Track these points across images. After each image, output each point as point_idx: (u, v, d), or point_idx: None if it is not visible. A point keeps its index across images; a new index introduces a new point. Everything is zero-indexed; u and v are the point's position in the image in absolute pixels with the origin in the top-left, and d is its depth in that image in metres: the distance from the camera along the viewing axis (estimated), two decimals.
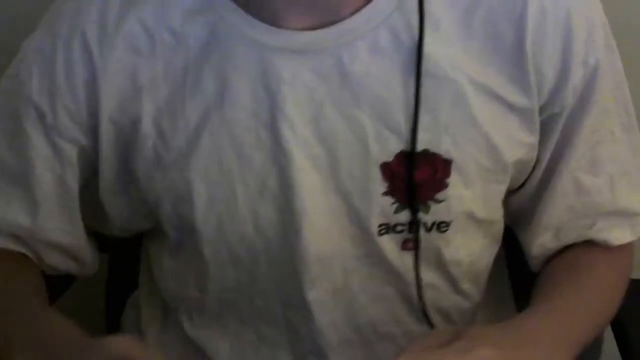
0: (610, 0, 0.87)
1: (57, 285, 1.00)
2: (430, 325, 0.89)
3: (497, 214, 0.89)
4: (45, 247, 0.89)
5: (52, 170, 0.85)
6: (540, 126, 0.84)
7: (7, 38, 1.00)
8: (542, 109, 0.83)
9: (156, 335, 0.96)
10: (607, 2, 0.85)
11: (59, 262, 0.91)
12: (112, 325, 1.07)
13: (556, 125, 0.84)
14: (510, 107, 0.82)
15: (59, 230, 0.88)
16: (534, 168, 0.87)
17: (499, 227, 0.91)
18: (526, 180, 0.88)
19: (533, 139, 0.85)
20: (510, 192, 0.90)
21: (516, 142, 0.84)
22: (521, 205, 0.90)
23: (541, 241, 0.89)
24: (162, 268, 0.93)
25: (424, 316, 0.88)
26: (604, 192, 0.87)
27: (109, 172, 0.86)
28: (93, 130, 0.84)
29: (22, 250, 0.89)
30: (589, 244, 0.89)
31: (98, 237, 0.98)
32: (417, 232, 0.84)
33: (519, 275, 0.99)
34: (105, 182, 0.87)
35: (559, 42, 0.81)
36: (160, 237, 0.91)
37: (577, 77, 0.82)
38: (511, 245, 0.95)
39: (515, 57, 0.81)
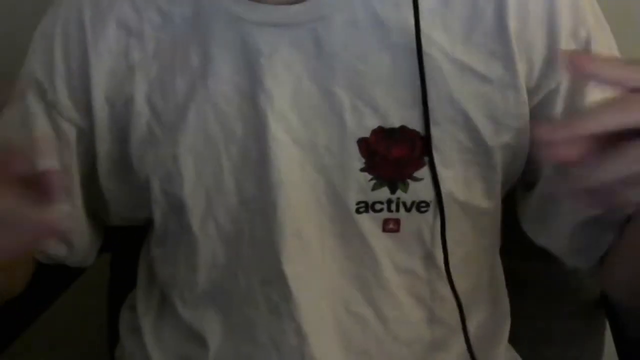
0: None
1: (58, 283, 1.01)
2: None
3: (483, 201, 0.87)
4: None
5: (54, 146, 0.87)
6: (539, 109, 0.83)
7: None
8: (536, 87, 0.82)
9: (152, 325, 0.97)
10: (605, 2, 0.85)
11: (53, 249, 0.91)
12: (114, 324, 1.07)
13: (556, 104, 0.82)
14: (492, 84, 0.82)
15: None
16: (541, 166, 0.85)
17: (491, 219, 0.90)
18: (537, 183, 0.86)
19: (520, 122, 0.83)
20: (523, 198, 0.88)
21: (499, 124, 0.83)
22: (538, 208, 0.87)
23: (572, 238, 0.84)
24: (155, 258, 0.95)
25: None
26: None
27: (105, 154, 0.89)
28: (88, 110, 0.87)
29: None
30: None
31: (102, 233, 0.99)
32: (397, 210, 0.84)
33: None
34: (102, 166, 0.89)
35: (544, 14, 0.80)
36: (153, 225, 0.92)
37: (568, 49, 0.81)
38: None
39: (496, 33, 0.81)
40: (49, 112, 0.87)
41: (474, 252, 0.91)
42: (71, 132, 0.88)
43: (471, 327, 0.92)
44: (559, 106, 0.82)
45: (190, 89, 0.84)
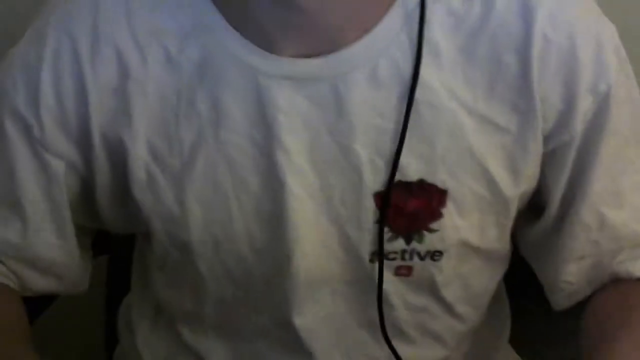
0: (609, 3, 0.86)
1: None
2: (391, 348, 0.87)
3: (496, 244, 0.87)
4: (30, 267, 0.86)
5: (39, 185, 0.83)
6: (550, 156, 0.82)
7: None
8: (549, 137, 0.81)
9: (146, 333, 0.96)
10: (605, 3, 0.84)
11: (43, 284, 0.89)
12: (111, 325, 1.07)
13: (568, 155, 0.82)
14: (512, 136, 0.80)
15: (49, 245, 0.85)
16: (548, 201, 0.85)
17: (502, 254, 0.90)
18: (542, 213, 0.86)
19: (536, 169, 0.83)
20: (526, 224, 0.88)
21: (518, 175, 0.82)
22: (539, 238, 0.87)
23: (563, 274, 0.86)
24: (154, 279, 0.93)
25: (386, 341, 0.87)
26: (629, 224, 0.84)
27: (105, 186, 0.85)
28: (83, 144, 0.82)
29: (3, 280, 0.86)
30: (619, 280, 0.86)
31: (98, 239, 0.98)
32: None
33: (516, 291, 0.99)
34: (102, 196, 0.86)
35: (563, 70, 0.79)
36: (150, 249, 0.90)
37: (585, 105, 0.80)
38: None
39: (520, 87, 0.79)
40: (34, 147, 0.82)
41: (484, 283, 0.90)
42: (59, 167, 0.82)
43: (471, 330, 0.92)
44: (570, 158, 0.82)
45: (198, 137, 0.80)
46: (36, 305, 0.96)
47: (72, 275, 0.90)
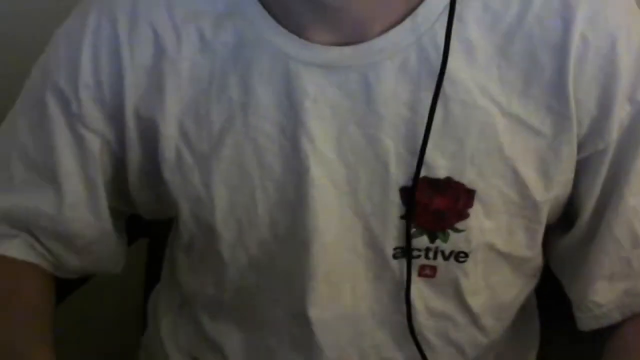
0: None
1: None
2: (420, 350, 0.86)
3: (526, 252, 0.85)
4: (64, 244, 0.88)
5: (76, 160, 0.84)
6: (584, 164, 0.80)
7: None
8: (583, 144, 0.79)
9: (170, 323, 0.96)
10: None
11: (77, 264, 0.90)
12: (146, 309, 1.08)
13: (602, 165, 0.80)
14: (546, 139, 0.78)
15: (84, 221, 0.87)
16: (579, 212, 0.83)
17: (533, 264, 0.87)
18: (573, 224, 0.84)
19: (569, 175, 0.81)
20: (556, 235, 0.86)
21: (549, 179, 0.80)
22: (569, 250, 0.86)
23: (592, 293, 0.84)
24: (179, 263, 0.93)
25: (418, 349, 0.86)
26: None
27: (136, 165, 0.86)
28: (117, 123, 0.83)
29: (35, 259, 0.87)
30: None
31: (138, 222, 0.98)
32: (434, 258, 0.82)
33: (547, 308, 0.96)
34: (133, 176, 0.86)
35: (600, 74, 0.76)
36: (178, 234, 0.90)
37: (622, 113, 0.77)
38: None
39: (555, 88, 0.77)
40: (71, 122, 0.83)
41: (513, 295, 0.88)
42: (95, 143, 0.84)
43: (494, 350, 0.91)
44: (604, 168, 0.80)
45: (228, 120, 0.81)
46: (73, 281, 0.96)
47: (105, 255, 0.91)
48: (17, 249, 0.86)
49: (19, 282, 0.86)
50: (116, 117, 0.83)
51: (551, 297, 0.92)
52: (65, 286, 0.96)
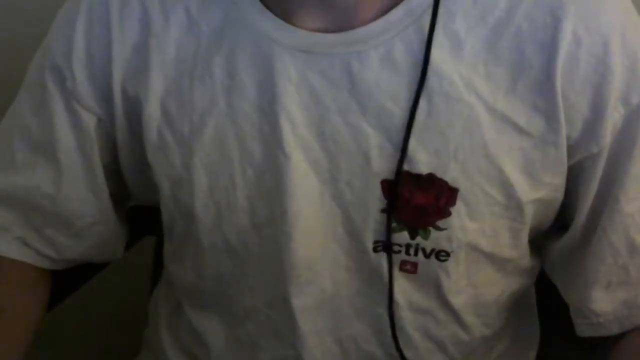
0: None
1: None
2: (402, 356, 0.85)
3: (511, 252, 0.83)
4: (64, 230, 0.88)
5: (74, 137, 0.85)
6: (577, 169, 0.79)
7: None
8: (576, 147, 0.77)
9: (167, 318, 0.96)
10: None
11: (79, 250, 0.90)
12: None
13: (596, 169, 0.78)
14: (532, 140, 0.77)
15: (83, 200, 0.87)
16: (574, 217, 0.81)
17: (518, 264, 0.86)
18: (569, 228, 0.83)
19: (557, 179, 0.79)
20: (551, 241, 0.85)
21: (535, 180, 0.78)
22: (565, 256, 0.84)
23: (589, 301, 0.83)
24: (164, 249, 0.93)
25: (396, 349, 0.85)
26: None
27: (124, 145, 0.86)
28: (107, 100, 0.84)
29: (26, 258, 0.88)
30: None
31: (143, 221, 0.99)
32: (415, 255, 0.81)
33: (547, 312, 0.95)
34: (122, 156, 0.87)
35: (594, 75, 0.75)
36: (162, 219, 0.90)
37: (615, 115, 0.76)
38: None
39: (542, 86, 0.75)
40: (68, 99, 0.84)
41: (495, 294, 0.87)
42: (91, 121, 0.84)
43: (493, 353, 0.90)
44: (598, 172, 0.78)
45: (211, 102, 0.80)
46: (81, 274, 0.97)
47: (105, 239, 0.91)
48: (7, 245, 0.87)
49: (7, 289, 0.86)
50: (106, 93, 0.84)
51: (551, 297, 0.91)
52: (70, 282, 0.97)
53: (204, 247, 0.85)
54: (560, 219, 0.84)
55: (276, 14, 0.78)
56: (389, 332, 0.85)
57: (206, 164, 0.82)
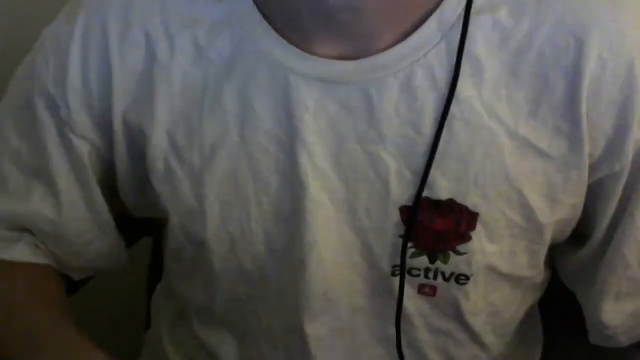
0: None
1: None
2: None
3: (528, 272, 0.83)
4: (67, 248, 0.87)
5: (68, 163, 0.83)
6: (598, 187, 0.78)
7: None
8: (597, 166, 0.77)
9: (170, 325, 0.96)
10: None
11: (81, 264, 0.89)
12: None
13: (617, 187, 0.77)
14: (555, 163, 0.76)
15: (83, 220, 0.85)
16: (592, 232, 0.81)
17: (535, 282, 0.86)
18: (585, 243, 0.83)
19: (578, 200, 0.79)
20: (567, 253, 0.85)
21: (556, 203, 0.78)
22: (580, 268, 0.84)
23: (600, 311, 0.83)
24: (169, 269, 0.92)
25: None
26: None
27: (124, 172, 0.84)
28: (106, 129, 0.81)
29: (43, 260, 0.86)
30: None
31: (140, 222, 0.99)
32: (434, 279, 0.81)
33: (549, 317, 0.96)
34: (122, 182, 0.85)
35: (619, 96, 0.74)
36: (166, 242, 0.89)
37: (638, 134, 0.75)
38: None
39: (566, 110, 0.74)
40: (61, 128, 0.81)
41: (513, 311, 0.87)
42: (84, 148, 0.82)
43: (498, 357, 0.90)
44: (619, 190, 0.78)
45: (222, 133, 0.78)
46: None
47: (106, 253, 0.89)
48: (22, 252, 0.85)
49: (39, 286, 0.85)
50: (104, 123, 0.81)
51: (553, 299, 0.92)
52: (69, 285, 0.96)
53: (216, 272, 0.84)
54: (577, 234, 0.83)
55: (291, 42, 0.76)
56: (407, 353, 0.84)
57: (218, 195, 0.80)
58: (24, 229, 0.86)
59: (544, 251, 0.82)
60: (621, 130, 0.75)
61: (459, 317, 0.83)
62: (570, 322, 0.90)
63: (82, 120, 0.81)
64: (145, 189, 0.84)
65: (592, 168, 0.77)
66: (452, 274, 0.80)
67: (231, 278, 0.84)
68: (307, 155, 0.77)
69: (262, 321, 0.86)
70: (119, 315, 1.30)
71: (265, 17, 0.76)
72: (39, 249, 0.86)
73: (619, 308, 0.83)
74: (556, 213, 0.79)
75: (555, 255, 0.87)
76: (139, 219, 0.95)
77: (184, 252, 0.86)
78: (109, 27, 0.79)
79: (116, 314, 1.33)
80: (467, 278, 0.80)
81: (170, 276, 0.92)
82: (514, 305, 0.86)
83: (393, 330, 0.83)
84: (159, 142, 0.80)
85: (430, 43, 0.74)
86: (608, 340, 0.85)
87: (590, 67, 0.73)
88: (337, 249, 0.80)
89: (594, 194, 0.79)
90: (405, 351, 0.84)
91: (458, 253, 0.79)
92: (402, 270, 0.80)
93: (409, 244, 0.79)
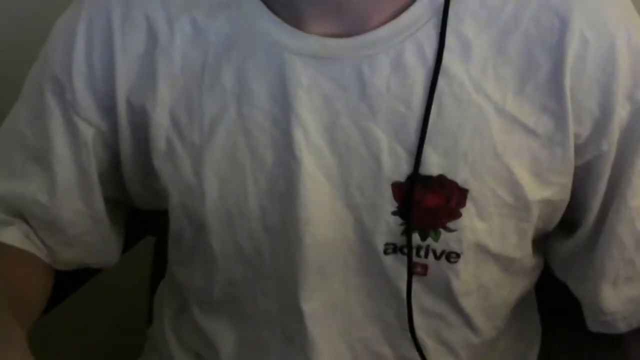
0: None
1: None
2: (422, 355, 0.86)
3: (517, 252, 0.84)
4: (57, 236, 0.88)
5: (69, 148, 0.85)
6: (586, 169, 0.80)
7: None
8: (585, 146, 0.79)
9: (173, 318, 0.96)
10: None
11: (71, 256, 0.90)
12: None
13: (605, 167, 0.79)
14: (540, 140, 0.78)
15: (75, 210, 0.87)
16: (584, 216, 0.82)
17: (521, 264, 0.87)
18: (576, 229, 0.84)
19: (565, 179, 0.80)
20: (558, 241, 0.86)
21: (542, 180, 0.80)
22: (573, 255, 0.85)
23: (597, 297, 0.84)
24: (171, 256, 0.93)
25: (416, 346, 0.85)
26: None
27: (128, 156, 0.86)
28: (110, 112, 0.84)
29: (31, 249, 0.87)
30: None
31: (143, 220, 1.00)
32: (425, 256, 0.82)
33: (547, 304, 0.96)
34: (125, 167, 0.87)
35: (602, 74, 0.76)
36: (167, 226, 0.90)
37: (622, 112, 0.77)
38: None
39: (551, 87, 0.77)
40: (66, 110, 0.84)
41: (504, 295, 0.88)
42: (88, 132, 0.84)
43: (497, 352, 0.90)
44: (607, 170, 0.79)
45: (221, 110, 0.81)
46: (81, 274, 0.97)
47: (98, 247, 0.91)
48: (12, 236, 0.86)
49: (9, 268, 0.85)
50: (108, 105, 0.84)
51: (550, 292, 0.92)
52: (71, 283, 0.97)
53: (215, 253, 0.86)
54: (568, 219, 0.85)
55: (285, 20, 0.78)
56: (400, 334, 0.85)
57: (217, 172, 0.82)
58: (20, 214, 0.87)
59: (531, 230, 0.83)
60: (606, 108, 0.77)
61: (450, 298, 0.85)
62: (568, 318, 0.91)
63: (86, 103, 0.84)
64: (148, 173, 0.86)
65: (580, 149, 0.79)
66: (443, 251, 0.82)
67: (228, 259, 0.86)
68: (302, 130, 0.79)
69: (259, 304, 0.87)
70: (121, 315, 1.31)
71: None
72: (29, 239, 0.87)
73: (618, 293, 0.83)
74: (543, 191, 0.80)
75: (548, 244, 0.88)
76: (144, 215, 0.96)
77: (185, 234, 0.87)
78: (112, 12, 0.82)
79: (118, 313, 1.34)
80: (458, 256, 0.82)
81: (172, 266, 0.94)
82: (504, 289, 0.87)
83: (388, 311, 0.85)
84: (161, 121, 0.82)
85: (420, 21, 0.77)
86: (606, 327, 0.86)
87: (574, 46, 0.76)
88: (331, 224, 0.81)
89: (584, 177, 0.81)
90: (398, 332, 0.86)
91: (448, 230, 0.80)
92: (409, 249, 0.81)
93: (400, 221, 0.81)
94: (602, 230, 0.82)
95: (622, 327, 0.85)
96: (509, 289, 0.88)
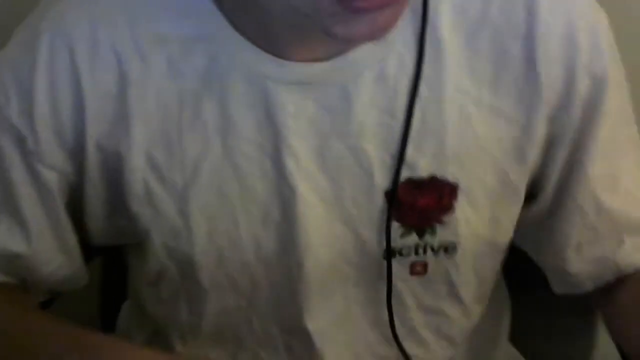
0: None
1: None
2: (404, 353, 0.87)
3: (507, 235, 0.87)
4: (40, 273, 0.85)
5: (35, 194, 0.80)
6: (548, 140, 0.82)
7: None
8: (552, 121, 0.81)
9: (145, 343, 0.93)
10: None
11: (52, 286, 0.87)
12: (106, 327, 1.06)
13: (565, 138, 0.82)
14: (521, 127, 0.81)
15: (51, 251, 0.83)
16: (543, 185, 0.85)
17: (508, 243, 0.89)
18: (538, 197, 0.86)
19: (539, 154, 0.83)
20: (521, 210, 0.88)
21: (527, 164, 0.82)
22: (535, 223, 0.87)
23: (561, 262, 0.86)
24: (145, 296, 0.90)
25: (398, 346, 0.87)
26: (626, 209, 0.84)
27: (96, 199, 0.82)
28: (77, 154, 0.79)
29: (12, 280, 0.84)
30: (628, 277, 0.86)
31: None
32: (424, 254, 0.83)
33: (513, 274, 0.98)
34: (91, 205, 0.83)
35: (563, 53, 0.79)
36: (140, 266, 0.87)
37: (582, 86, 0.80)
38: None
39: (525, 75, 0.79)
40: (27, 159, 0.79)
41: (493, 277, 0.90)
42: (52, 178, 0.79)
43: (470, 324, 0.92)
44: (567, 140, 0.82)
45: (204, 147, 0.78)
46: None
47: (71, 277, 0.87)
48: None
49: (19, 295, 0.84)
50: (76, 149, 0.79)
51: (516, 263, 0.94)
52: None
53: (204, 288, 0.84)
54: (529, 189, 0.86)
55: (266, 50, 0.76)
56: (402, 332, 0.86)
57: (204, 209, 0.80)
58: None
59: (518, 213, 0.85)
60: (568, 83, 0.80)
61: (451, 291, 0.86)
62: (535, 287, 0.94)
63: (51, 149, 0.79)
64: (116, 214, 0.83)
65: (549, 123, 0.81)
66: (440, 245, 0.83)
67: (220, 291, 0.84)
68: (293, 158, 0.79)
69: (256, 327, 0.86)
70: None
71: (237, 28, 0.77)
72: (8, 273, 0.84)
73: (581, 256, 0.86)
74: (527, 172, 0.83)
75: None
76: None
77: (168, 274, 0.85)
78: (76, 50, 0.77)
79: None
80: (455, 248, 0.83)
81: (142, 300, 0.91)
82: (495, 272, 0.90)
83: (386, 315, 0.86)
84: (136, 164, 0.79)
85: (397, 31, 0.76)
86: (573, 288, 0.88)
87: (542, 34, 0.79)
88: (330, 245, 0.82)
89: (546, 148, 0.83)
90: (400, 331, 0.87)
91: (443, 224, 0.82)
92: (387, 249, 0.82)
93: (397, 225, 0.82)
94: (563, 199, 0.84)
95: (589, 285, 0.88)
96: (498, 270, 0.90)
